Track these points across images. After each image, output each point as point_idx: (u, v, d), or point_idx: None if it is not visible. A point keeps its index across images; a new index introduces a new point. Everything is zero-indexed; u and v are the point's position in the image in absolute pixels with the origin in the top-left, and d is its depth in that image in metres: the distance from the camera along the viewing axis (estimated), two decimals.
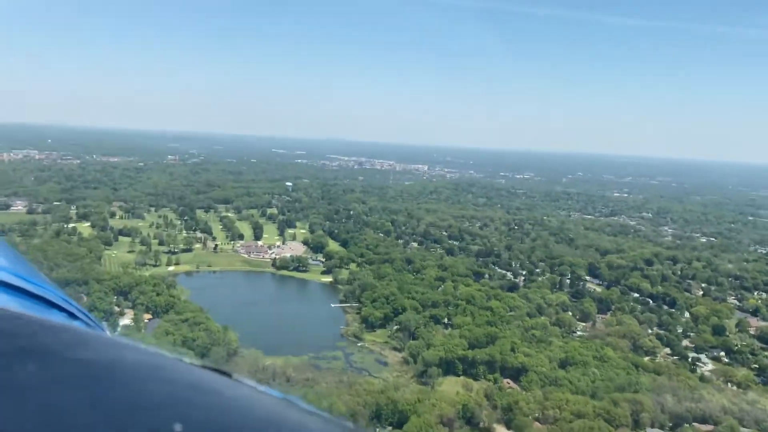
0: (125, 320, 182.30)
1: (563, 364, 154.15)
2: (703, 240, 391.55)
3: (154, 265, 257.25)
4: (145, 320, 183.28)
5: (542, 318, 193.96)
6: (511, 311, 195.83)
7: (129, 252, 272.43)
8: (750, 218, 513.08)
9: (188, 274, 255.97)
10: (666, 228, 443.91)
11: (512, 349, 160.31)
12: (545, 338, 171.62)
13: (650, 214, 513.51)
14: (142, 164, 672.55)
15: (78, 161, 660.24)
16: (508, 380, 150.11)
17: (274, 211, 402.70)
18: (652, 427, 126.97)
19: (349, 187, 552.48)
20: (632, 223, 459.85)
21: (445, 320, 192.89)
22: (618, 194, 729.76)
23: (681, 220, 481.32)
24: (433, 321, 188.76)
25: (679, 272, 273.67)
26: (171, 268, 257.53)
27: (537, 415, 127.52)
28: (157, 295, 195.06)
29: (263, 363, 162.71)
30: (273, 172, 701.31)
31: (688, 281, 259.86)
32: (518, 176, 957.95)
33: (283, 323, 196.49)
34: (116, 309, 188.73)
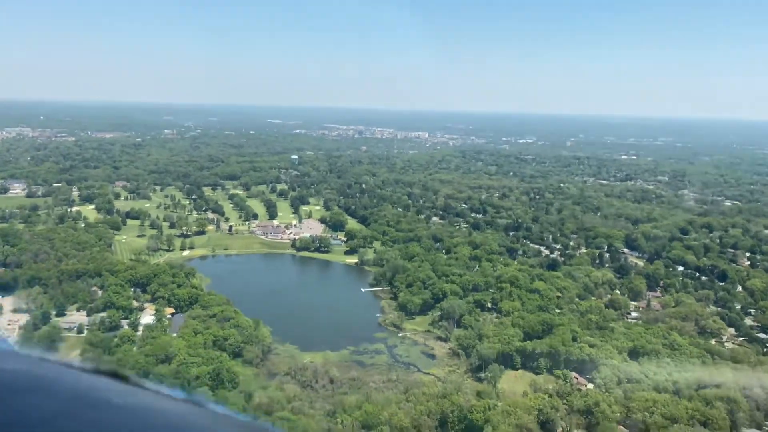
0: (146, 316, 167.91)
1: (633, 354, 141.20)
2: (728, 204, 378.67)
3: (168, 250, 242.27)
4: (168, 315, 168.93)
5: (594, 300, 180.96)
6: (559, 293, 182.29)
7: (139, 236, 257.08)
8: None
9: (203, 258, 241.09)
10: (686, 192, 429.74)
11: (574, 339, 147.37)
12: (604, 324, 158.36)
13: (666, 178, 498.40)
14: (139, 140, 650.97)
15: (73, 138, 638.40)
16: (576, 375, 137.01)
17: (284, 186, 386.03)
18: (749, 428, 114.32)
19: (355, 159, 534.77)
20: (650, 187, 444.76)
21: (490, 305, 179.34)
22: (626, 157, 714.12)
23: (699, 183, 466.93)
24: (478, 307, 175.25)
25: (718, 241, 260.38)
26: (186, 252, 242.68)
27: (622, 418, 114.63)
28: (178, 287, 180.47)
29: (302, 361, 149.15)
30: (274, 144, 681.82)
31: (730, 250, 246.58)
32: (521, 141, 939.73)
33: (313, 312, 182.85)
34: (135, 304, 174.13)
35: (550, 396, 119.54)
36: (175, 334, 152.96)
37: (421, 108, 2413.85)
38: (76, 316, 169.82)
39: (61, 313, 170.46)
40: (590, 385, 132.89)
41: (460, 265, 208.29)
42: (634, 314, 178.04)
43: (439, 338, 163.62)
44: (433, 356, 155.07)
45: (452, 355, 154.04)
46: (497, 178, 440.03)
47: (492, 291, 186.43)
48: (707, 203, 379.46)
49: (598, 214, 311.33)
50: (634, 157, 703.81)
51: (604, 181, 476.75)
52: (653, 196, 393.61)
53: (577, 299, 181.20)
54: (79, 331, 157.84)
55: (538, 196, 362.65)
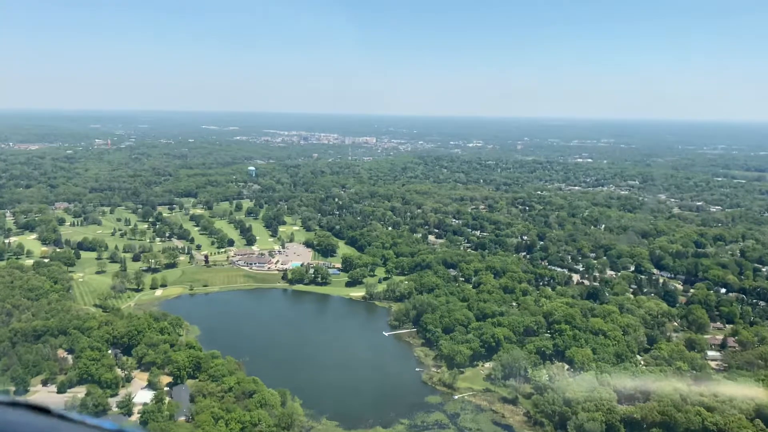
0: (138, 390, 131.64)
1: (758, 417, 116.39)
2: (713, 209, 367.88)
3: (137, 290, 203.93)
4: (164, 387, 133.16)
5: (667, 342, 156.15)
6: (624, 333, 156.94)
7: (99, 273, 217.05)
8: (734, 180, 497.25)
9: (179, 298, 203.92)
10: (664, 197, 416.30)
11: (683, 399, 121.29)
12: (701, 375, 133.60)
13: (637, 182, 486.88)
14: (71, 152, 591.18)
15: None
16: None
17: (249, 203, 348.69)
18: None
19: (316, 169, 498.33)
20: (624, 192, 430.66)
21: (551, 351, 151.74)
22: (581, 159, 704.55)
23: (673, 188, 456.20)
24: (540, 356, 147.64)
25: (739, 254, 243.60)
26: (158, 292, 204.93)
27: None
28: (171, 347, 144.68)
29: None
30: (219, 153, 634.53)
31: (758, 265, 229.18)
32: (470, 145, 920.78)
33: (338, 369, 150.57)
34: (119, 373, 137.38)
35: None
36: (183, 419, 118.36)
37: (359, 112, 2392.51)
38: (44, 394, 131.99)
39: (22, 390, 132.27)
40: None
41: (496, 299, 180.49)
42: (711, 353, 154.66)
43: (506, 400, 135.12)
44: (509, 427, 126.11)
45: (532, 424, 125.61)
46: (473, 187, 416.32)
47: (548, 333, 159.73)
48: (693, 209, 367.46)
49: (602, 227, 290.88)
50: (589, 160, 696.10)
51: (577, 187, 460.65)
52: (638, 203, 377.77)
53: (645, 338, 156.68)
54: None
55: (527, 207, 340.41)
